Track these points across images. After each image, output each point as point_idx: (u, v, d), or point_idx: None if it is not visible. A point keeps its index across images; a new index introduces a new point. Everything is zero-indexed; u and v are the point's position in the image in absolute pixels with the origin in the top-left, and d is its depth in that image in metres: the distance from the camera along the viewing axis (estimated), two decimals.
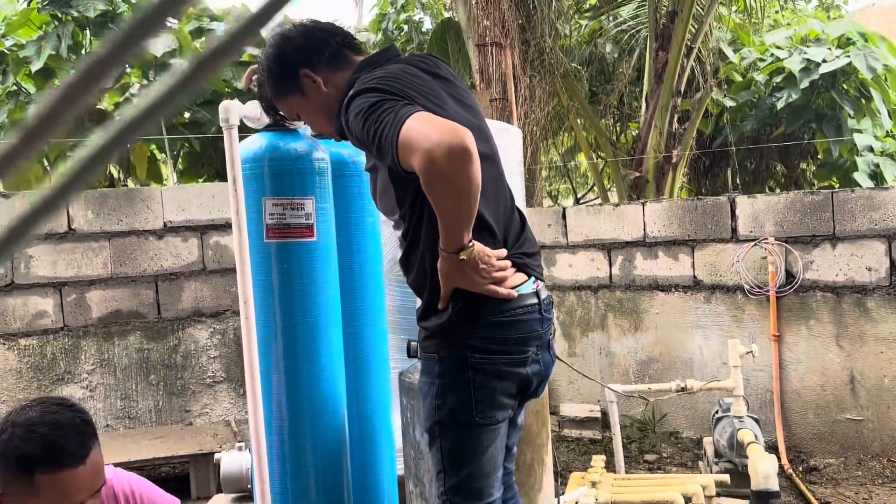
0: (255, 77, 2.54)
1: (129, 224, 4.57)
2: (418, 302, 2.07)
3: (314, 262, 2.57)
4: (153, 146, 8.57)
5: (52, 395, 1.70)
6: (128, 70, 8.27)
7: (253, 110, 2.42)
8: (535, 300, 1.92)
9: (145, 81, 8.05)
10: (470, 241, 1.76)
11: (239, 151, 2.37)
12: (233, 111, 2.34)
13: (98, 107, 8.47)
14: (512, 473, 2.20)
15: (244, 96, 2.95)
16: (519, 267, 1.91)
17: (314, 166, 2.57)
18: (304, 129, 2.66)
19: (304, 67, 2.03)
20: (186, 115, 8.45)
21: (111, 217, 4.54)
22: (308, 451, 2.58)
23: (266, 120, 2.49)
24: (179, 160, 9.31)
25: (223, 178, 8.48)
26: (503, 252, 1.88)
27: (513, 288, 1.87)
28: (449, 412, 1.89)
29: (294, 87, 2.06)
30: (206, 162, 9.00)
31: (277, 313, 2.52)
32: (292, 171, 2.52)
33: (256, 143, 2.54)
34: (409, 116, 1.69)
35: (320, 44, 2.04)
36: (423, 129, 1.65)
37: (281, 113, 2.28)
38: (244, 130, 2.45)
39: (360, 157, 2.99)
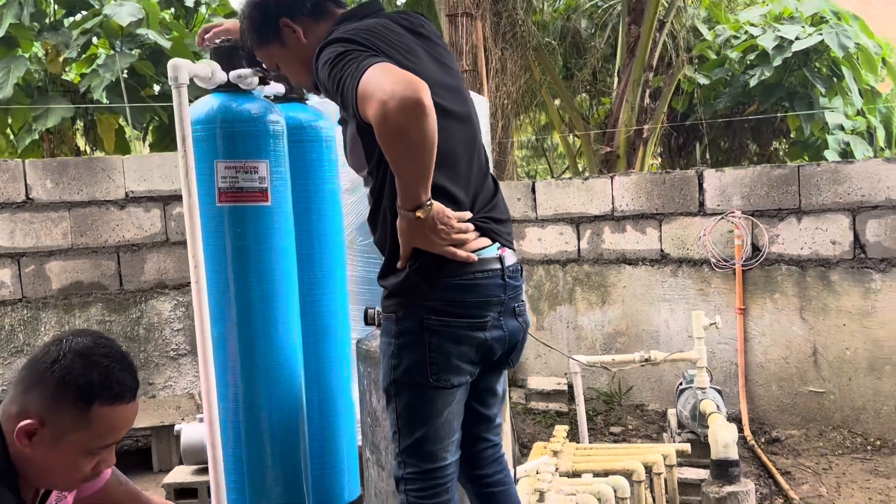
0: (207, 36, 2.48)
1: (90, 194, 4.48)
2: None
3: (269, 227, 2.52)
4: (121, 119, 8.41)
5: (85, 329, 1.66)
6: (95, 41, 8.09)
7: (204, 69, 2.35)
8: (497, 265, 1.88)
9: (112, 52, 7.88)
10: (428, 200, 1.72)
11: (189, 112, 2.30)
12: (182, 69, 2.27)
13: (63, 77, 8.30)
14: (499, 446, 2.16)
15: None
16: (484, 231, 1.87)
17: (268, 129, 2.51)
18: (259, 90, 2.60)
19: (284, 17, 2.00)
20: (156, 87, 8.31)
21: (71, 186, 4.45)
22: (264, 420, 2.55)
23: (219, 80, 2.42)
24: (149, 134, 9.16)
25: None
26: (466, 215, 1.84)
27: (474, 251, 1.83)
28: (404, 372, 1.87)
29: (274, 35, 2.03)
30: (175, 137, 8.86)
31: (231, 279, 2.47)
32: (245, 133, 2.46)
33: (208, 103, 2.48)
34: (370, 67, 1.65)
35: None
36: (380, 80, 1.62)
37: (262, 64, 2.23)
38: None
39: (319, 123, 2.94)
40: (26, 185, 4.36)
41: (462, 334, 1.84)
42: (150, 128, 8.89)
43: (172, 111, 7.07)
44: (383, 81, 1.62)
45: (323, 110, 3.02)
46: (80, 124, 8.74)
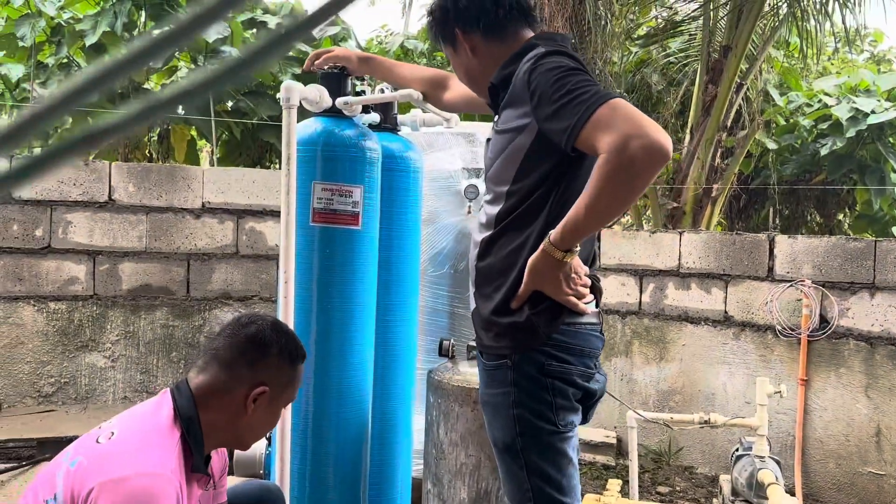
0: (318, 62, 2.56)
1: (168, 200, 4.61)
2: (469, 300, 1.99)
3: (356, 251, 2.57)
4: (193, 130, 8.65)
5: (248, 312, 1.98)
6: (177, 54, 8.37)
7: (313, 93, 2.43)
8: (597, 320, 1.87)
9: (193, 66, 8.14)
10: (577, 246, 1.71)
11: (296, 132, 2.38)
12: (294, 92, 2.36)
13: (144, 86, 8.59)
14: None
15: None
16: (590, 288, 1.86)
17: (366, 155, 2.58)
18: (360, 117, 2.67)
19: (457, 27, 1.95)
20: (229, 103, 8.54)
21: (151, 192, 4.58)
22: (331, 440, 2.57)
23: (325, 104, 2.50)
24: (217, 148, 9.40)
25: (261, 167, 8.47)
26: (586, 269, 1.83)
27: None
28: (529, 422, 1.79)
29: (450, 40, 1.99)
30: (243, 151, 9.08)
31: (315, 297, 2.52)
32: (344, 158, 2.53)
33: (312, 126, 2.56)
34: (617, 97, 1.63)
35: (481, 11, 1.92)
36: (633, 115, 1.59)
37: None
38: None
39: (409, 153, 3.00)
40: (110, 186, 4.51)
41: (577, 382, 1.81)
42: (220, 142, 9.13)
43: (243, 126, 7.21)
44: (638, 118, 1.58)
45: (413, 141, 3.09)
46: (154, 132, 9.02)
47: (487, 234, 1.86)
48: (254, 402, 1.72)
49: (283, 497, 2.15)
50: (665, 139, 1.56)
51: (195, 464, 1.69)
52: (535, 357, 1.77)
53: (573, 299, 1.75)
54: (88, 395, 4.46)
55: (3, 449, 3.89)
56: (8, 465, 3.56)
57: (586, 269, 1.81)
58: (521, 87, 1.77)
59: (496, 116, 1.96)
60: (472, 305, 1.96)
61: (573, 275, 1.73)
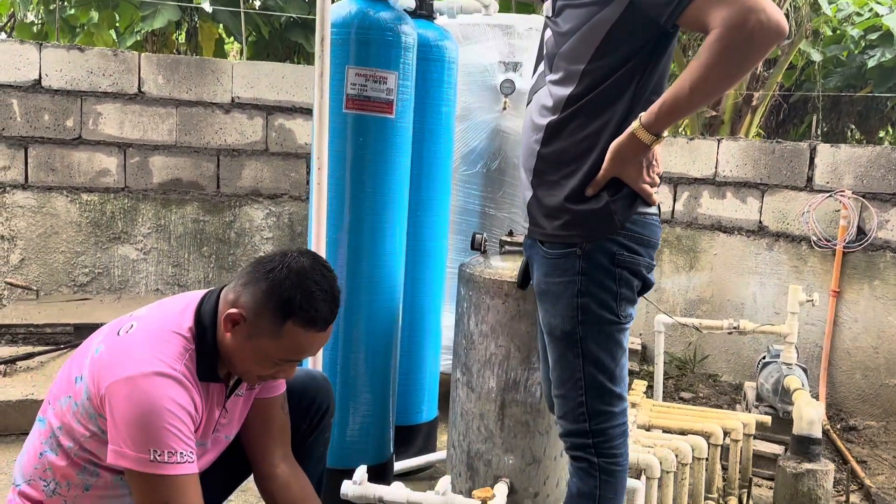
0: None
1: (198, 94, 4.55)
2: (518, 192, 1.94)
3: (390, 140, 2.52)
4: (221, 28, 8.50)
5: (310, 251, 1.79)
6: None
7: None
8: (657, 211, 1.85)
9: None
10: (666, 131, 1.67)
11: (330, 12, 2.29)
12: None
13: None
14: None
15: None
16: None
17: (401, 40, 2.50)
18: (395, 0, 2.58)
19: None
20: (257, 2, 8.35)
21: (181, 85, 4.53)
22: (362, 328, 2.59)
23: None
24: (245, 47, 9.24)
25: None
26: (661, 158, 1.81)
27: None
28: (592, 311, 1.77)
29: None
30: (271, 52, 8.92)
31: (348, 186, 2.49)
32: (379, 42, 2.45)
33: (345, 8, 2.47)
34: None
35: None
36: None
37: None
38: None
39: (445, 42, 2.90)
40: (140, 78, 4.45)
41: (642, 273, 1.80)
42: (248, 42, 8.96)
43: (273, 24, 7.03)
44: None
45: (449, 31, 2.99)
46: (182, 30, 8.87)
47: (555, 117, 1.77)
48: (233, 326, 1.62)
49: (329, 387, 2.08)
50: (782, 16, 1.52)
51: (201, 372, 1.63)
52: (608, 246, 1.74)
53: (648, 188, 1.72)
54: (121, 285, 4.54)
55: (42, 333, 3.99)
56: (46, 349, 3.66)
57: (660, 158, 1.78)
58: None
59: None
60: (528, 193, 1.88)
61: (654, 162, 1.70)
